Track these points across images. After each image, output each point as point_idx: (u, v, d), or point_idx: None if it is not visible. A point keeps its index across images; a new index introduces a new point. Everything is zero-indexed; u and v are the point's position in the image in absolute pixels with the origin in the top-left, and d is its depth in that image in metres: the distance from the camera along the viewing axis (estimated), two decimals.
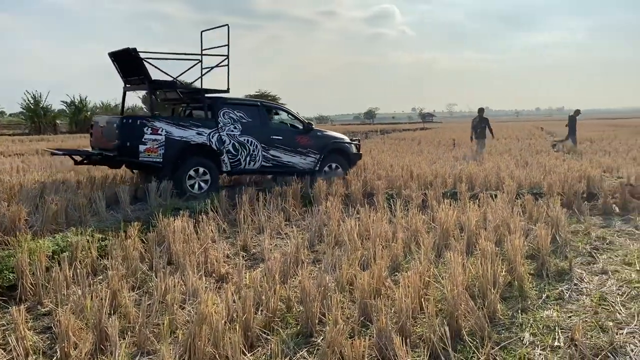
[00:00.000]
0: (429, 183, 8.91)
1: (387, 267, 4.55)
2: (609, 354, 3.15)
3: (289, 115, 10.82)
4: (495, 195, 7.33)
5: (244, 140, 9.45)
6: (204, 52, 9.93)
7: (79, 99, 42.66)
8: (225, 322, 3.28)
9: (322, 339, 3.39)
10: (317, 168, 10.37)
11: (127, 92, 10.22)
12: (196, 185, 8.99)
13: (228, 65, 9.72)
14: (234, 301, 3.71)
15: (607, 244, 5.73)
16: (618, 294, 4.19)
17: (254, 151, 9.56)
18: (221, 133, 9.23)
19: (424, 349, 3.13)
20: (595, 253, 5.33)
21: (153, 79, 9.07)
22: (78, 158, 9.40)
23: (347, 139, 11.37)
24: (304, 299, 3.70)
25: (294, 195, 8.09)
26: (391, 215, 6.66)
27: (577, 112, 17.91)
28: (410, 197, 7.66)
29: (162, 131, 8.63)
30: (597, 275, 4.66)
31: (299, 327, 3.61)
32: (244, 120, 9.54)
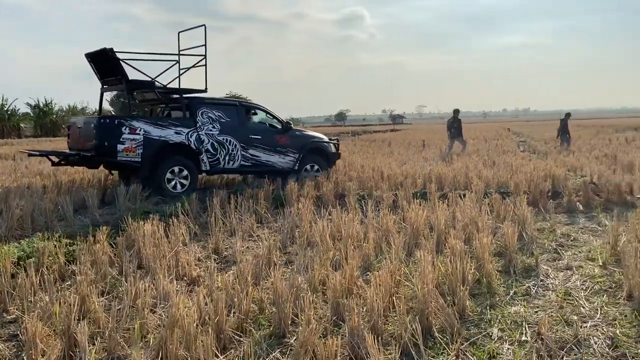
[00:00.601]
0: (400, 183, 9.01)
1: (359, 267, 4.59)
2: (574, 347, 3.24)
3: (268, 115, 10.82)
4: (464, 195, 7.46)
5: (223, 139, 9.48)
6: (181, 53, 9.92)
7: (44, 102, 41.68)
8: (197, 325, 3.27)
9: (295, 339, 3.40)
10: (296, 167, 10.41)
11: (105, 93, 10.24)
12: (178, 185, 9.01)
13: (205, 65, 9.76)
14: (206, 304, 3.69)
15: (571, 240, 5.89)
16: (582, 288, 4.31)
17: (233, 150, 9.60)
18: (200, 132, 9.24)
19: (395, 346, 3.17)
20: (560, 249, 5.48)
21: (130, 78, 9.04)
22: (55, 159, 9.27)
23: (325, 139, 11.43)
24: (276, 300, 3.71)
25: (266, 197, 8.09)
26: (363, 215, 6.72)
27: (568, 115, 18.54)
28: (381, 198, 7.74)
29: (140, 131, 8.61)
30: (562, 271, 4.79)
31: (271, 328, 3.62)
32: (222, 120, 9.58)
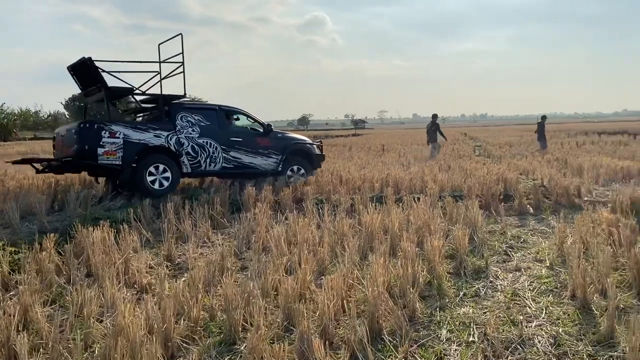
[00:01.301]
0: (358, 188, 9.08)
1: (314, 272, 4.59)
2: (518, 346, 3.32)
3: (248, 118, 11.00)
4: (419, 199, 7.56)
5: (203, 142, 9.71)
6: (162, 62, 10.09)
7: None
8: (144, 334, 3.19)
9: (245, 346, 3.37)
10: (279, 169, 10.60)
11: (87, 104, 10.89)
12: (157, 183, 9.20)
13: (184, 72, 9.98)
14: (154, 312, 3.61)
15: (521, 242, 6.04)
16: (529, 289, 4.43)
17: (214, 153, 9.81)
18: (179, 135, 9.49)
19: (345, 350, 3.18)
20: (510, 251, 5.62)
21: (109, 85, 9.30)
22: (39, 166, 9.44)
23: (309, 141, 11.59)
24: (227, 306, 3.66)
25: (222, 202, 7.99)
26: (320, 220, 6.73)
27: (544, 117, 19.05)
28: (338, 202, 7.77)
29: (119, 134, 8.88)
30: (511, 272, 4.90)
31: (222, 336, 3.57)
32: (202, 124, 9.82)
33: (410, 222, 6.28)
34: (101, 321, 3.71)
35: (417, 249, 4.92)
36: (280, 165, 10.65)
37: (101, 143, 8.70)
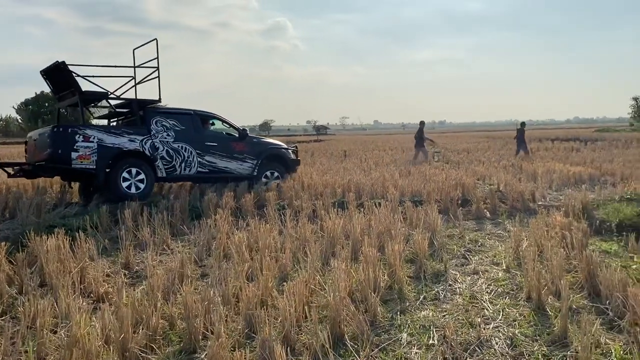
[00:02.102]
0: (320, 193, 9.10)
1: (276, 278, 4.57)
2: (477, 348, 3.39)
3: (224, 123, 11.02)
4: (380, 204, 7.64)
5: (178, 146, 9.75)
6: (136, 67, 10.09)
7: None
8: (100, 344, 3.10)
9: (206, 354, 3.32)
10: (255, 173, 10.68)
11: (61, 109, 10.57)
12: (133, 187, 9.20)
13: (158, 77, 10.00)
14: (111, 321, 3.52)
15: (479, 246, 6.18)
16: (487, 292, 4.53)
17: (189, 157, 9.84)
18: (154, 140, 9.50)
19: (307, 356, 3.17)
20: (468, 255, 5.74)
21: (83, 90, 9.23)
22: (11, 170, 9.35)
23: (284, 145, 11.72)
24: (186, 314, 3.60)
25: (182, 209, 7.88)
26: (282, 226, 6.70)
27: (523, 124, 19.54)
28: (300, 208, 7.77)
29: (94, 139, 8.86)
30: (469, 276, 5.01)
31: (181, 344, 3.51)
32: (177, 128, 9.83)
33: (371, 227, 6.34)
34: (55, 332, 3.58)
35: (378, 253, 4.96)
36: (256, 170, 10.70)
37: (75, 147, 8.65)
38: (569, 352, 3.24)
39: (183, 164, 9.78)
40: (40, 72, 9.86)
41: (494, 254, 5.75)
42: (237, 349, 3.17)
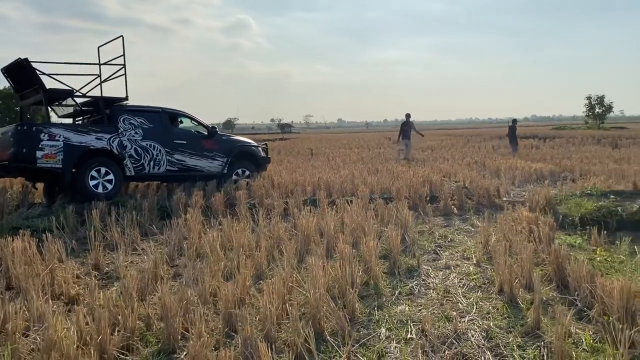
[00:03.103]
0: (290, 191, 9.09)
1: (252, 276, 4.55)
2: (454, 341, 3.47)
3: (193, 121, 10.85)
4: (351, 201, 7.70)
5: (147, 145, 9.56)
6: (102, 64, 9.85)
7: None
8: (77, 347, 3.03)
9: (186, 354, 3.29)
10: (225, 171, 10.54)
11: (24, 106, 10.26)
12: (100, 187, 8.99)
13: (125, 74, 9.77)
14: (87, 323, 3.45)
15: (448, 241, 6.31)
16: (459, 286, 4.63)
17: (157, 156, 9.66)
18: (122, 138, 9.31)
19: (289, 353, 3.18)
20: (439, 250, 5.85)
21: (48, 88, 8.98)
22: None
23: (254, 143, 11.57)
24: (164, 315, 3.56)
25: (150, 208, 7.74)
26: (254, 224, 6.68)
27: (515, 121, 19.81)
28: (272, 206, 7.75)
29: (59, 137, 8.63)
30: (441, 270, 5.10)
31: (160, 345, 3.46)
32: (145, 126, 9.66)
33: (344, 224, 6.38)
34: (27, 335, 3.47)
35: (353, 250, 5.00)
36: (226, 168, 10.60)
37: (40, 146, 8.42)
38: (542, 342, 3.35)
39: (152, 163, 9.62)
40: (1, 69, 9.62)
41: (464, 249, 5.88)
42: (219, 348, 3.15)
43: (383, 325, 3.76)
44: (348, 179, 10.11)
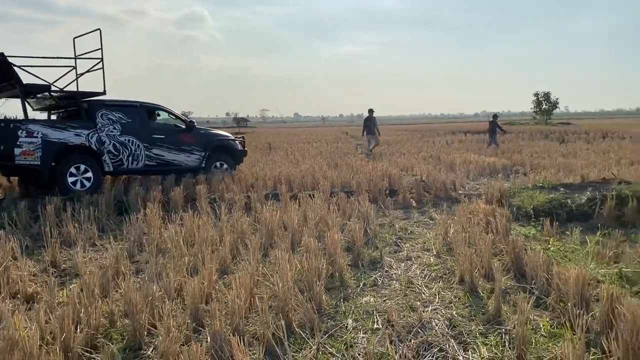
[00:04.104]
0: (251, 185, 9.04)
1: (217, 271, 4.52)
2: (419, 330, 3.56)
3: (170, 115, 10.84)
4: (313, 195, 7.74)
5: (125, 140, 9.56)
6: (78, 57, 9.68)
7: None
8: (40, 346, 2.94)
9: (153, 350, 3.25)
10: (203, 165, 10.59)
11: None
12: (78, 184, 8.95)
13: (103, 68, 9.69)
14: (47, 321, 3.35)
15: (408, 233, 6.44)
16: (421, 276, 4.74)
17: (136, 151, 9.69)
18: (100, 134, 9.28)
19: (259, 346, 3.19)
20: (400, 242, 5.96)
21: (25, 83, 8.78)
22: None
23: (231, 137, 11.62)
24: (129, 311, 3.50)
25: (107, 204, 7.55)
26: (216, 219, 6.61)
27: (495, 116, 20.08)
28: (233, 201, 7.69)
29: (37, 134, 8.58)
30: (403, 262, 5.21)
31: (125, 342, 3.40)
32: (123, 121, 9.63)
33: (307, 218, 6.41)
34: None
35: (318, 243, 5.04)
36: (204, 162, 10.62)
37: (18, 143, 8.38)
38: (503, 330, 3.48)
39: (130, 158, 9.62)
40: None
41: (424, 241, 6.02)
42: (187, 343, 3.12)
43: (350, 316, 3.82)
44: (309, 173, 10.16)
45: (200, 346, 2.94)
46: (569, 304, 3.56)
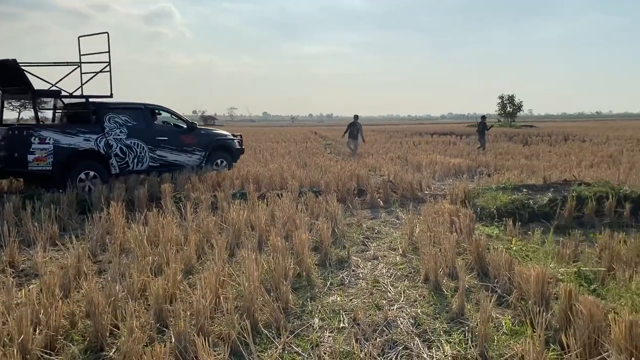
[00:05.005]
0: (218, 184, 8.96)
1: (181, 271, 4.46)
2: (385, 328, 3.59)
3: (172, 116, 11.08)
4: (281, 195, 7.72)
5: (131, 143, 9.74)
6: (85, 59, 9.83)
7: None
8: None
9: (115, 351, 3.19)
10: (203, 164, 10.89)
11: (4, 101, 9.94)
12: (87, 188, 8.91)
13: (110, 71, 9.78)
14: (4, 323, 3.24)
15: (375, 233, 6.49)
16: (387, 275, 4.79)
17: (140, 153, 9.88)
18: (108, 138, 9.43)
19: (224, 346, 3.16)
20: (367, 242, 6.01)
21: (35, 88, 8.96)
22: None
23: (230, 136, 11.86)
24: (91, 311, 3.41)
25: (69, 203, 7.36)
26: (181, 218, 6.53)
27: (484, 117, 20.22)
28: (199, 200, 7.60)
29: (49, 140, 8.65)
30: (370, 261, 5.26)
31: (86, 343, 3.33)
32: (129, 124, 9.79)
33: (275, 218, 6.39)
34: None
35: (285, 242, 5.03)
36: (204, 161, 10.94)
37: (31, 150, 8.44)
38: (466, 327, 3.55)
39: (135, 160, 9.81)
40: None
41: (391, 240, 6.08)
42: (154, 343, 3.07)
43: (316, 315, 3.82)
44: (277, 173, 10.13)
45: (164, 347, 2.90)
46: (529, 302, 3.65)
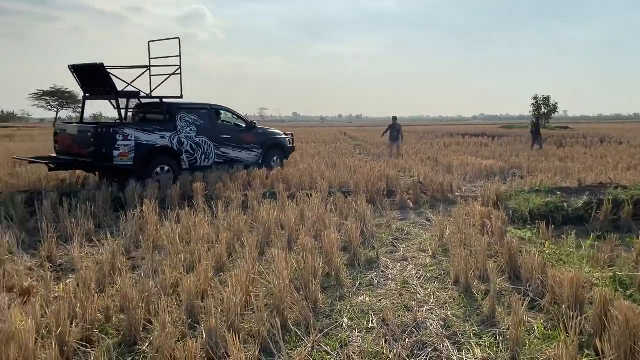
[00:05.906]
0: (248, 184, 9.05)
1: (213, 268, 4.53)
2: (414, 329, 3.58)
3: (234, 116, 11.99)
4: (311, 195, 7.75)
5: (199, 140, 10.57)
6: (156, 63, 10.59)
7: None
8: (36, 339, 2.95)
9: (148, 345, 3.26)
10: (260, 161, 11.70)
11: (87, 101, 10.69)
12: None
13: (180, 74, 10.44)
14: (43, 315, 3.36)
15: (405, 234, 6.46)
16: (417, 277, 4.77)
17: (207, 150, 10.70)
18: (180, 135, 10.25)
19: (254, 343, 3.20)
20: (396, 243, 5.98)
21: (119, 90, 9.72)
22: (52, 165, 9.53)
23: (283, 135, 12.70)
24: (125, 306, 3.50)
25: (104, 200, 7.54)
26: (212, 217, 6.62)
27: (538, 118, 20.33)
28: (230, 199, 7.70)
29: (131, 137, 9.47)
30: (399, 262, 5.23)
31: (120, 337, 3.41)
32: (197, 123, 10.61)
33: (304, 217, 6.42)
34: None
35: (315, 242, 5.05)
36: (261, 158, 11.76)
37: (116, 146, 9.23)
38: (497, 331, 3.50)
39: (203, 156, 10.62)
40: (69, 66, 10.10)
41: (420, 242, 6.04)
42: (181, 340, 3.13)
43: (345, 315, 3.83)
44: (306, 173, 10.17)
45: (196, 342, 2.95)
46: (563, 306, 3.58)
